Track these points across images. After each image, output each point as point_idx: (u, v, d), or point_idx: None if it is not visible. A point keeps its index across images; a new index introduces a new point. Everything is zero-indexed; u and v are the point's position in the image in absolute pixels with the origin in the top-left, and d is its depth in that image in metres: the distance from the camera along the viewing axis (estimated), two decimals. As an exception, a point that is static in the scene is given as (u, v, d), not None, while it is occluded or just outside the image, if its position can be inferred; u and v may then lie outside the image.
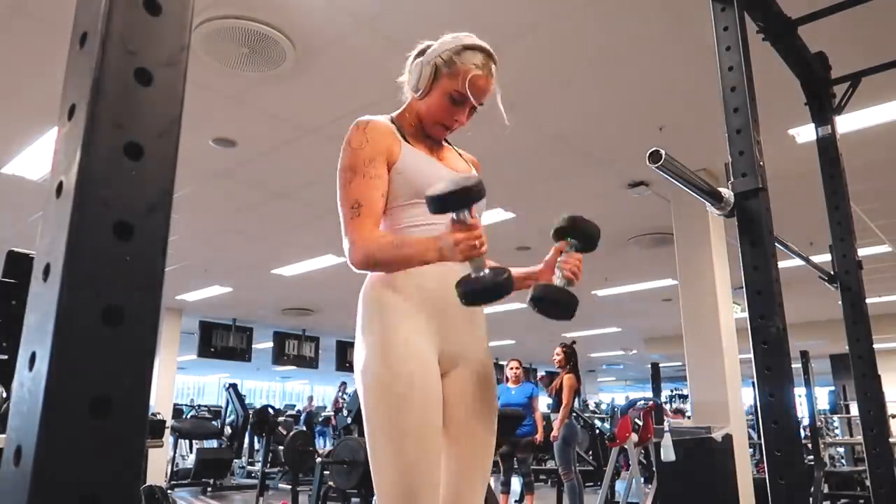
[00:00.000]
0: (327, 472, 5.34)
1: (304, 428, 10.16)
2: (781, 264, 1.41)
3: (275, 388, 24.65)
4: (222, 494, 8.33)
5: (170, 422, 8.39)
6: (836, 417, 9.94)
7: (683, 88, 3.68)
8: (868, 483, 2.53)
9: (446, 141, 1.66)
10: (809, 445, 6.23)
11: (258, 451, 10.16)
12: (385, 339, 1.39)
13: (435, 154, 1.59)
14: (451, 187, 1.20)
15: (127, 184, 0.44)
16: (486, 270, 1.25)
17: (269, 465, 7.81)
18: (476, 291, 1.24)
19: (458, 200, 1.23)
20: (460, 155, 1.69)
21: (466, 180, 1.21)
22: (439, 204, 1.23)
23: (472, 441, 1.49)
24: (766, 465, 1.33)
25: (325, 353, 12.52)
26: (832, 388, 12.70)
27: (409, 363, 1.36)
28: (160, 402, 9.46)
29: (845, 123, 3.73)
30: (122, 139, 0.45)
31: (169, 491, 5.39)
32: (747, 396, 7.37)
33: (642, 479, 5.86)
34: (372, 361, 1.38)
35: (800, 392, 6.37)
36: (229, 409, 10.16)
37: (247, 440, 10.17)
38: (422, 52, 1.56)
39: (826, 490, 6.36)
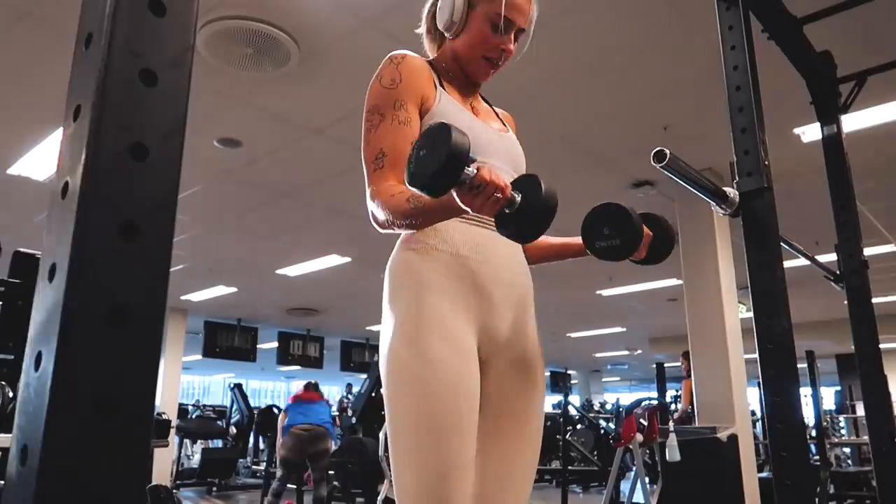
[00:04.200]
0: (332, 472, 5.35)
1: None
2: (787, 264, 1.41)
3: (279, 387, 24.69)
4: (227, 494, 8.34)
5: (175, 422, 8.40)
6: (842, 417, 9.90)
7: (688, 88, 3.67)
8: (874, 483, 2.52)
9: (482, 97, 1.48)
10: (815, 446, 6.21)
11: (263, 450, 10.17)
12: (415, 317, 1.18)
13: (469, 105, 1.40)
14: (433, 167, 0.95)
15: (132, 184, 0.45)
16: (518, 196, 1.01)
17: (273, 464, 7.81)
18: (525, 224, 1.02)
19: (447, 175, 0.95)
20: (494, 111, 1.49)
21: (442, 144, 0.94)
22: (432, 189, 0.98)
23: (514, 444, 1.26)
24: (771, 465, 1.32)
25: (330, 353, 12.53)
26: (838, 388, 12.66)
27: (442, 348, 1.15)
28: (165, 402, 9.48)
29: (851, 122, 3.72)
30: (128, 140, 0.45)
31: (174, 491, 5.41)
32: (753, 397, 7.36)
33: (647, 480, 5.85)
34: (398, 344, 1.17)
35: (805, 392, 6.35)
36: (234, 408, 10.18)
37: (252, 440, 10.19)
38: None
39: (832, 490, 6.33)
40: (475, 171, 0.97)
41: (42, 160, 4.55)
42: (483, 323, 1.24)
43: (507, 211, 1.02)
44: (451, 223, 1.23)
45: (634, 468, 4.84)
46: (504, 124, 1.47)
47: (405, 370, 1.15)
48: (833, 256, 2.33)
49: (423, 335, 1.16)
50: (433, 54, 1.44)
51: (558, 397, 14.83)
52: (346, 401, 12.33)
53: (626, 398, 18.16)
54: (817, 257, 2.24)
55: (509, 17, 1.31)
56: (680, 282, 5.32)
